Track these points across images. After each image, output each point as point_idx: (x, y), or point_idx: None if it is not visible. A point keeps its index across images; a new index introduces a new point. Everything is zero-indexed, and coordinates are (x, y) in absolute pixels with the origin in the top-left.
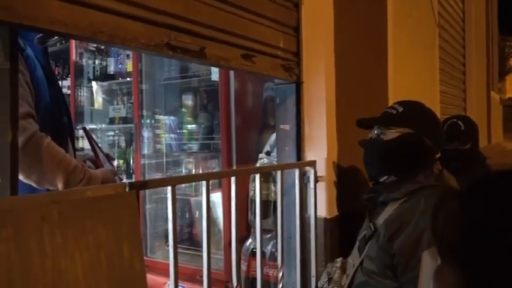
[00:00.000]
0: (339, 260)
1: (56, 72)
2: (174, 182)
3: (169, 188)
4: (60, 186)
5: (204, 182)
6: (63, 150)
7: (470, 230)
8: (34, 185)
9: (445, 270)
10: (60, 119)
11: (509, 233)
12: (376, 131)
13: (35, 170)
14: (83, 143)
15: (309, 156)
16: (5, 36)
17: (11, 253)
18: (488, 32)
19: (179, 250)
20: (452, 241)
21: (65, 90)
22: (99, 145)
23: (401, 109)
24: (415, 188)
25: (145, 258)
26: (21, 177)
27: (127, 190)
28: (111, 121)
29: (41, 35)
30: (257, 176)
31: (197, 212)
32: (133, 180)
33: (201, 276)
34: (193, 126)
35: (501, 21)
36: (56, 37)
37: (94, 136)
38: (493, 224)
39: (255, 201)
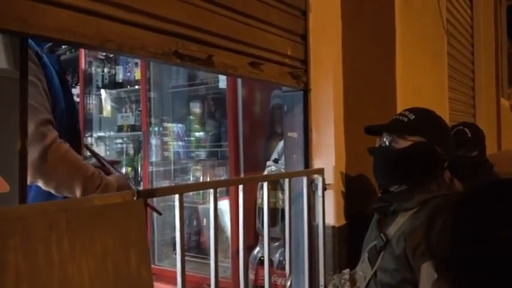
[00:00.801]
0: (347, 271)
1: None
2: (181, 190)
3: (176, 196)
4: (78, 193)
5: (211, 190)
6: (81, 157)
7: (464, 241)
8: (53, 191)
9: (441, 284)
10: (74, 126)
11: (503, 243)
12: (386, 139)
13: (55, 177)
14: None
15: (316, 164)
16: (15, 46)
17: (19, 261)
18: (497, 38)
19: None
20: (446, 254)
21: (74, 98)
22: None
23: (413, 117)
24: (428, 198)
25: (152, 266)
26: (40, 183)
27: (135, 198)
28: (120, 129)
29: (50, 44)
30: (265, 184)
31: (205, 220)
32: (141, 187)
33: (209, 285)
34: (201, 133)
35: (510, 27)
36: (65, 46)
37: (102, 143)
38: (487, 234)
39: (262, 209)
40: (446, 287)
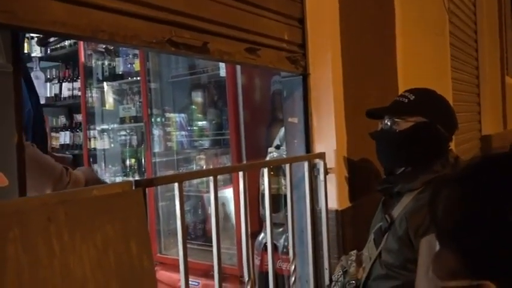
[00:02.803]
0: (354, 252)
1: (67, 74)
2: (180, 178)
3: (176, 185)
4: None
5: (211, 178)
6: (48, 157)
7: (467, 213)
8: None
9: (443, 255)
10: (41, 126)
11: (505, 214)
12: (387, 122)
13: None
14: None
15: (318, 148)
16: (7, 39)
17: (19, 254)
18: (500, 15)
19: (193, 247)
20: (449, 226)
21: (75, 92)
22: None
23: (413, 97)
24: (432, 178)
25: (159, 255)
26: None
27: (133, 188)
28: (122, 121)
29: (41, 36)
30: (265, 170)
31: (210, 208)
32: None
33: None
34: (204, 122)
35: None
36: (56, 38)
37: (106, 136)
38: (489, 206)
39: (265, 195)
40: (449, 257)
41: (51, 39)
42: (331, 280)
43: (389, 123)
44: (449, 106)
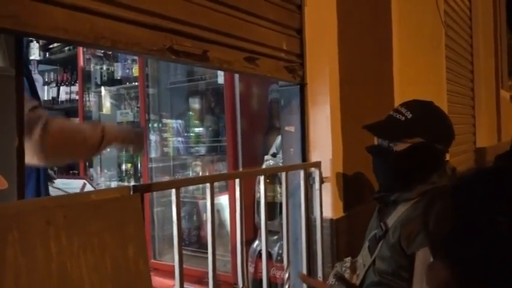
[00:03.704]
0: (348, 259)
1: (65, 78)
2: (178, 184)
3: (173, 191)
4: (83, 155)
5: (208, 184)
6: (74, 121)
7: (460, 225)
8: (62, 164)
9: (436, 266)
10: None
11: (497, 226)
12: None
13: (58, 150)
14: None
15: (314, 157)
16: (10, 44)
17: (18, 256)
18: (496, 29)
19: (187, 253)
20: (441, 237)
21: (73, 96)
22: None
23: (410, 115)
24: (429, 189)
25: (153, 261)
26: (42, 162)
27: (131, 193)
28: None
29: (44, 42)
30: (262, 178)
31: (205, 215)
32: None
33: None
34: (200, 129)
35: (510, 17)
36: (59, 44)
37: None
38: (480, 217)
39: (261, 203)
40: (442, 269)
41: (54, 45)
42: None
43: (385, 142)
44: (447, 119)
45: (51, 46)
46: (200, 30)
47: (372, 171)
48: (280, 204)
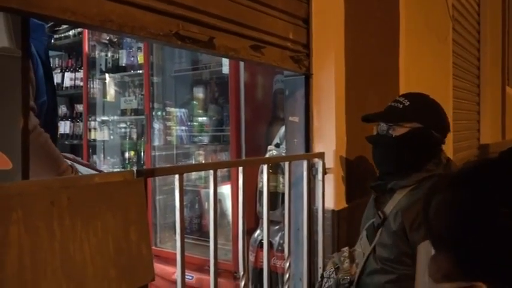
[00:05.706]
0: (346, 249)
1: (70, 64)
2: (181, 170)
3: (176, 177)
4: None
5: (211, 171)
6: (58, 150)
7: (462, 216)
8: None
9: (438, 258)
10: (54, 118)
11: (499, 218)
12: (383, 126)
13: (31, 165)
14: None
15: (317, 148)
16: (17, 25)
17: (21, 234)
18: (504, 25)
19: (188, 241)
20: (442, 229)
21: (77, 82)
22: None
23: (408, 103)
24: (425, 176)
25: (155, 248)
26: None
27: (135, 177)
28: (123, 113)
29: (51, 23)
30: (265, 167)
31: (206, 204)
32: None
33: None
34: (204, 118)
35: None
36: (65, 26)
37: (106, 127)
38: (480, 209)
39: (263, 192)
40: (443, 260)
41: (61, 27)
42: (322, 276)
43: (385, 128)
44: (442, 110)
45: (56, 29)
46: (207, 16)
47: (372, 161)
48: (283, 194)
